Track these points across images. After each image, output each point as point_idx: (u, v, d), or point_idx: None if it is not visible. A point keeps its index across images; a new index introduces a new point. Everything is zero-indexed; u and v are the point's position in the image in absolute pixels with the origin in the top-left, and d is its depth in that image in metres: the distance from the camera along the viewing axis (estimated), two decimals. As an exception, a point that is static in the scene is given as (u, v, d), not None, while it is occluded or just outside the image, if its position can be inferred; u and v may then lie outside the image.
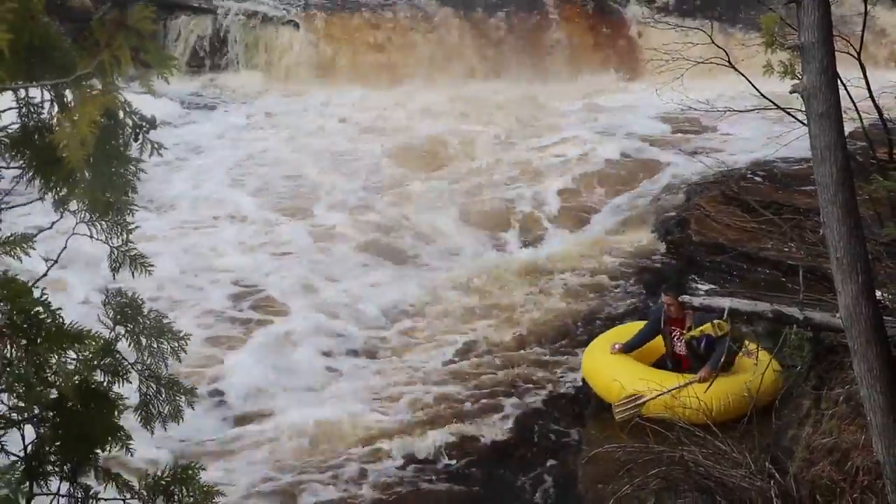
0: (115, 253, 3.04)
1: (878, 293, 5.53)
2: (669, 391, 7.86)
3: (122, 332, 3.11)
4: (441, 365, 9.34)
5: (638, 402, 7.95)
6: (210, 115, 17.68)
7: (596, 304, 10.56)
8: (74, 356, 2.92)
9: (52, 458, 3.05)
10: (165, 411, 3.25)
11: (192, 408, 3.33)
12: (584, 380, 8.69)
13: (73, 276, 9.71)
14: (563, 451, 8.01)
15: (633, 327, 8.83)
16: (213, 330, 9.94)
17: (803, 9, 4.80)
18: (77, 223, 2.88)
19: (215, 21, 19.09)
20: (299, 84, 18.69)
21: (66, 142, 2.33)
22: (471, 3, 19.60)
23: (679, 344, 8.32)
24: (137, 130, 2.61)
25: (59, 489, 3.07)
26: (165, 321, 3.18)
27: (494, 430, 8.23)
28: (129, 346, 3.15)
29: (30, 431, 3.07)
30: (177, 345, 3.17)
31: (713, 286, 10.52)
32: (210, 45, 19.08)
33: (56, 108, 2.44)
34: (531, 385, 8.89)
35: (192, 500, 3.10)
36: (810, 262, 8.80)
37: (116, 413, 3.06)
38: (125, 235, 2.99)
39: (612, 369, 8.26)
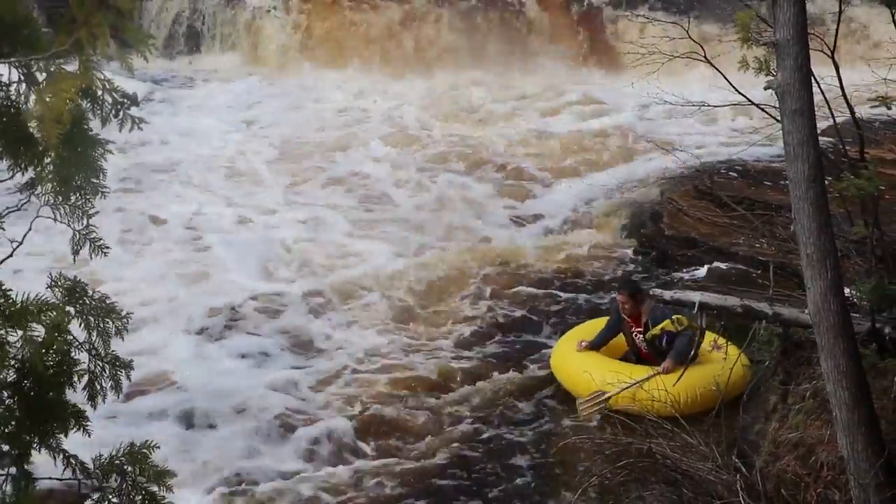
0: (77, 236, 3.04)
1: (846, 290, 5.58)
2: (631, 385, 7.92)
3: (73, 311, 3.13)
4: (403, 357, 9.31)
5: (601, 398, 8.00)
6: (184, 96, 17.50)
7: (565, 298, 10.56)
8: (39, 328, 2.93)
9: (4, 442, 3.04)
10: (108, 386, 3.31)
11: (130, 380, 3.41)
12: (552, 375, 8.71)
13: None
14: (532, 443, 8.01)
15: (601, 323, 8.86)
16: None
17: (779, 6, 4.82)
18: (41, 206, 2.87)
19: (192, 1, 18.91)
20: (277, 66, 18.57)
21: (40, 119, 2.30)
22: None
23: (639, 340, 8.37)
24: (118, 107, 2.58)
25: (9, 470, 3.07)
26: (109, 301, 3.21)
27: (461, 423, 8.23)
28: (80, 325, 3.18)
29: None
30: (120, 324, 3.24)
31: (685, 277, 10.57)
32: (186, 26, 18.90)
33: (25, 87, 2.40)
34: (499, 380, 8.87)
35: (144, 479, 3.11)
36: (781, 258, 8.87)
37: (66, 390, 3.07)
38: (86, 219, 2.99)
39: (580, 364, 8.30)
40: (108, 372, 3.28)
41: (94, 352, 3.23)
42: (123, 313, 3.27)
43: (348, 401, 8.53)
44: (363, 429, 8.13)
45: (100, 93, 2.54)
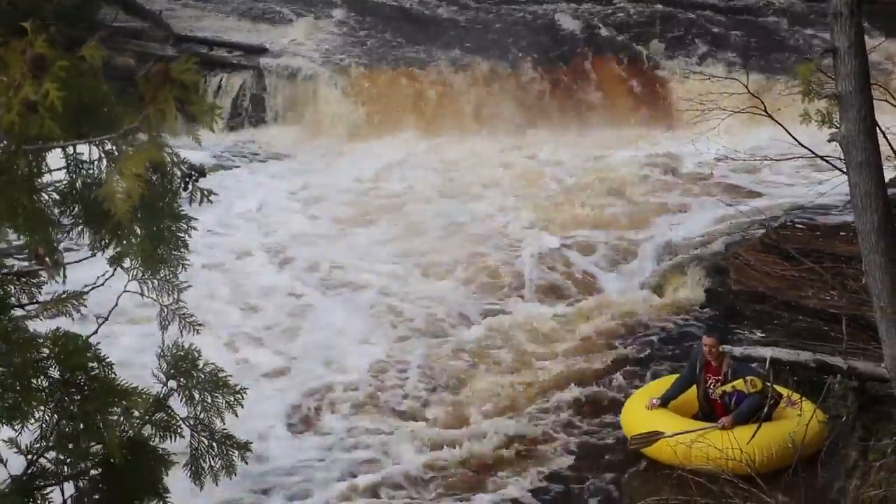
0: (165, 311, 3.05)
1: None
2: (688, 432, 7.91)
3: (175, 386, 3.11)
4: (472, 418, 9.29)
5: (655, 437, 8.00)
6: (245, 169, 17.73)
7: (633, 356, 10.47)
8: (121, 412, 2.94)
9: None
10: (217, 465, 3.22)
11: (246, 462, 3.28)
12: (623, 435, 8.62)
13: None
14: (603, 504, 7.94)
15: (671, 380, 8.77)
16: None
17: (840, 58, 4.83)
18: (129, 280, 2.91)
19: (255, 76, 19.40)
20: (338, 139, 18.86)
21: (111, 195, 2.37)
22: (505, 56, 19.79)
23: (713, 390, 8.27)
24: (187, 179, 2.65)
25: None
26: (221, 374, 3.15)
27: (532, 485, 8.18)
28: (182, 401, 3.14)
29: (69, 488, 3.08)
30: (233, 399, 3.14)
31: (755, 335, 10.40)
32: (250, 100, 19.37)
33: (105, 164, 2.48)
34: (568, 440, 8.82)
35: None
36: (853, 310, 8.70)
37: (164, 469, 3.04)
38: (176, 294, 3.00)
39: (651, 423, 8.22)
40: (216, 450, 3.20)
41: (198, 427, 3.17)
42: (238, 387, 3.17)
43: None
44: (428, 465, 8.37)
45: (170, 166, 2.60)
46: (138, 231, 2.56)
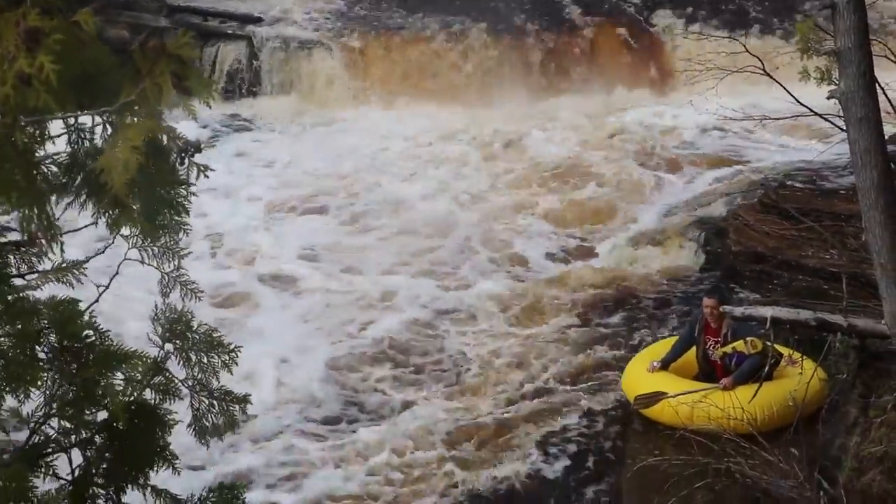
0: (166, 278, 3.06)
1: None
2: (691, 392, 7.94)
3: (171, 349, 3.13)
4: (473, 383, 9.33)
5: (660, 397, 8.05)
6: (241, 139, 17.62)
7: (634, 319, 10.47)
8: (123, 377, 2.96)
9: (99, 480, 3.08)
10: (220, 422, 3.26)
11: (246, 415, 3.33)
12: (624, 396, 8.66)
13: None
14: (607, 466, 7.98)
15: (670, 343, 8.79)
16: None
17: (839, 14, 4.80)
18: (129, 248, 2.91)
19: (249, 47, 19.26)
20: (333, 107, 18.76)
21: (108, 167, 2.36)
22: (502, 22, 19.59)
23: (712, 351, 8.29)
24: (183, 155, 2.64)
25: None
26: (216, 335, 3.18)
27: (535, 447, 8.23)
28: (179, 363, 3.16)
29: (76, 456, 3.10)
30: (228, 357, 3.17)
31: (755, 295, 10.41)
32: (244, 70, 19.24)
33: (105, 133, 2.47)
34: (570, 403, 8.85)
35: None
36: (853, 268, 8.71)
37: (167, 430, 3.08)
38: (177, 260, 3.01)
39: (652, 385, 8.25)
40: (217, 408, 3.23)
41: (197, 388, 3.19)
42: (231, 346, 3.20)
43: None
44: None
45: (165, 141, 2.58)
46: (137, 204, 2.55)
